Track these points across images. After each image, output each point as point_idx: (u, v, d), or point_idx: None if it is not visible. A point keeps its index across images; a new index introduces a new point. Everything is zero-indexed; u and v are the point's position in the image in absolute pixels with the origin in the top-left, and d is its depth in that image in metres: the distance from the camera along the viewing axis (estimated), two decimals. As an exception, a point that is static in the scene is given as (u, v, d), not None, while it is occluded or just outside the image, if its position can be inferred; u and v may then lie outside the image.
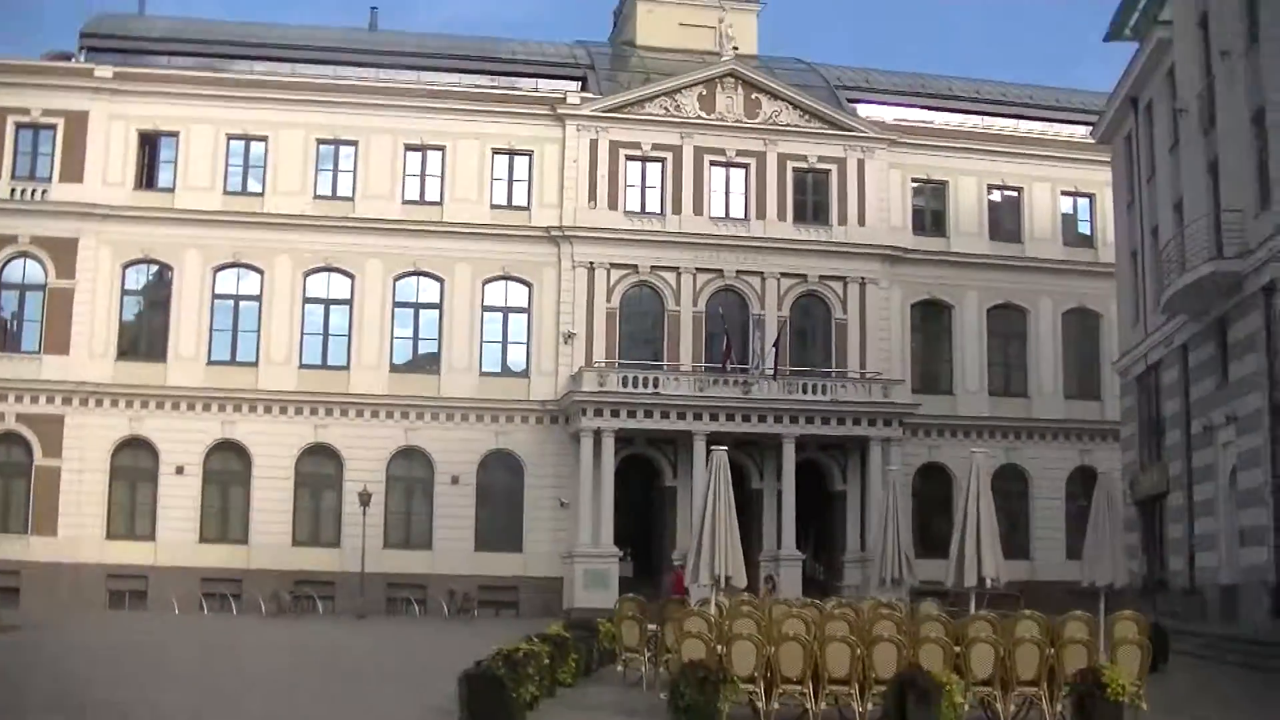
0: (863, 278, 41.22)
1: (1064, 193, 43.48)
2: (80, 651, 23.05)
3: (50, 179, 38.95)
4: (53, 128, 39.08)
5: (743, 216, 41.08)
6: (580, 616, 33.01)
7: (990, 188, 43.06)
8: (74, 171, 38.91)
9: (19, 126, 39.14)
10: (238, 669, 20.94)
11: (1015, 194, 43.28)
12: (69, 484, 37.73)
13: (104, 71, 39.35)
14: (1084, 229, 43.76)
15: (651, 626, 17.85)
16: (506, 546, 38.83)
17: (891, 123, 42.57)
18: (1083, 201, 43.70)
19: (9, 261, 38.68)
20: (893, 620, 16.28)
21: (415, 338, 39.67)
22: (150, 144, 39.78)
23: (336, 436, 38.67)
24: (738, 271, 40.52)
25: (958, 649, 14.26)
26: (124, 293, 39.07)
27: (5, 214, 38.45)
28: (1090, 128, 39.45)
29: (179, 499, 37.98)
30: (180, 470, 38.04)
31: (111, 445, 38.14)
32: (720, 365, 38.88)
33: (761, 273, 40.57)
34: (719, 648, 14.40)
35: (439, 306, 39.52)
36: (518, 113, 40.27)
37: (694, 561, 17.86)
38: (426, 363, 39.77)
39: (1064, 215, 43.61)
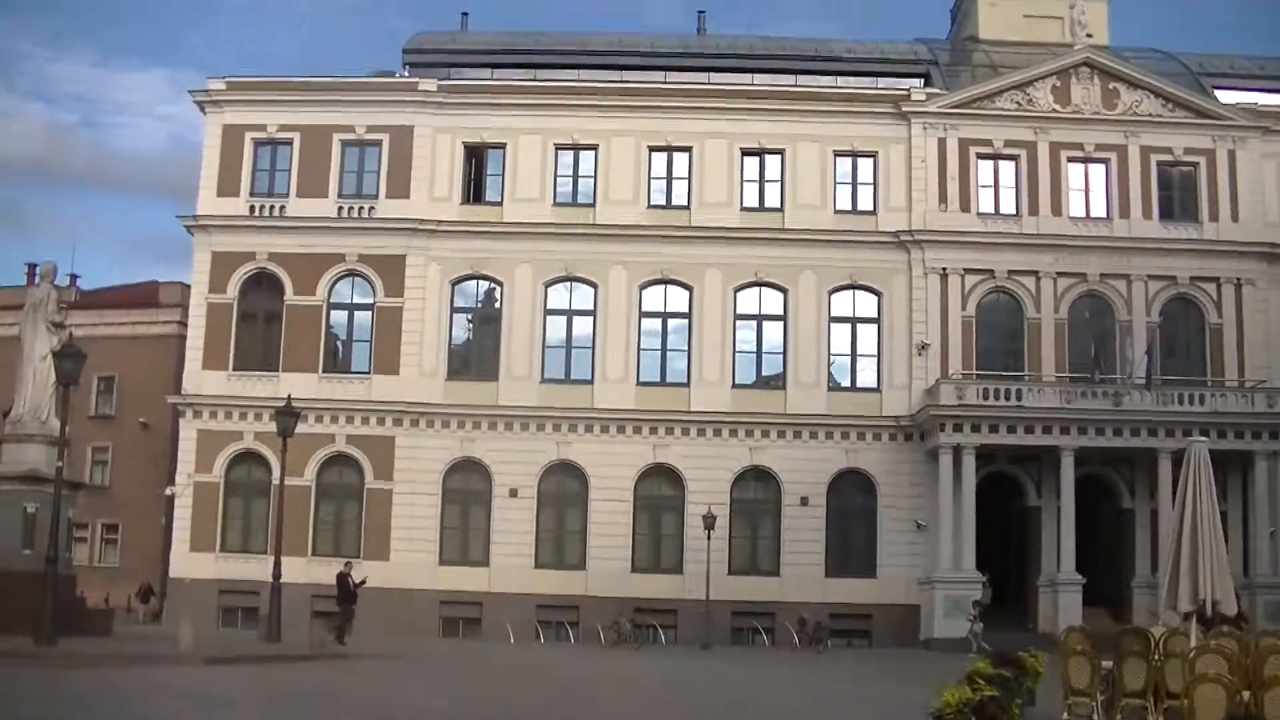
0: (1238, 278, 46.64)
1: None
2: (419, 678, 25.71)
3: (377, 196, 47.78)
4: (378, 144, 47.95)
5: (1104, 215, 47.08)
6: (940, 647, 39.94)
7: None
8: (401, 188, 47.60)
9: (345, 144, 48.10)
10: (596, 705, 21.99)
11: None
12: (401, 507, 46.04)
13: (428, 85, 47.95)
14: None
15: (1105, 663, 17.51)
16: (859, 572, 44.78)
17: (1263, 109, 48.15)
18: None
19: (338, 280, 47.56)
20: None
21: (759, 352, 46.46)
22: (477, 157, 48.07)
23: (677, 457, 45.64)
24: (1101, 275, 46.38)
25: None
26: (453, 310, 47.35)
27: (333, 233, 47.36)
28: None
29: (513, 523, 45.46)
30: (514, 493, 45.65)
31: (443, 467, 45.99)
32: (1087, 376, 44.81)
33: (1127, 275, 46.35)
34: (1242, 694, 13.76)
35: (783, 319, 46.33)
36: (859, 112, 47.13)
37: (1167, 583, 18.01)
38: (771, 378, 46.51)
39: None
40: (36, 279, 32.90)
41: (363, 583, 37.30)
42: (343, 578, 36.89)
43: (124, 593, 53.80)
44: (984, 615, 40.97)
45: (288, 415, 35.32)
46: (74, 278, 65.44)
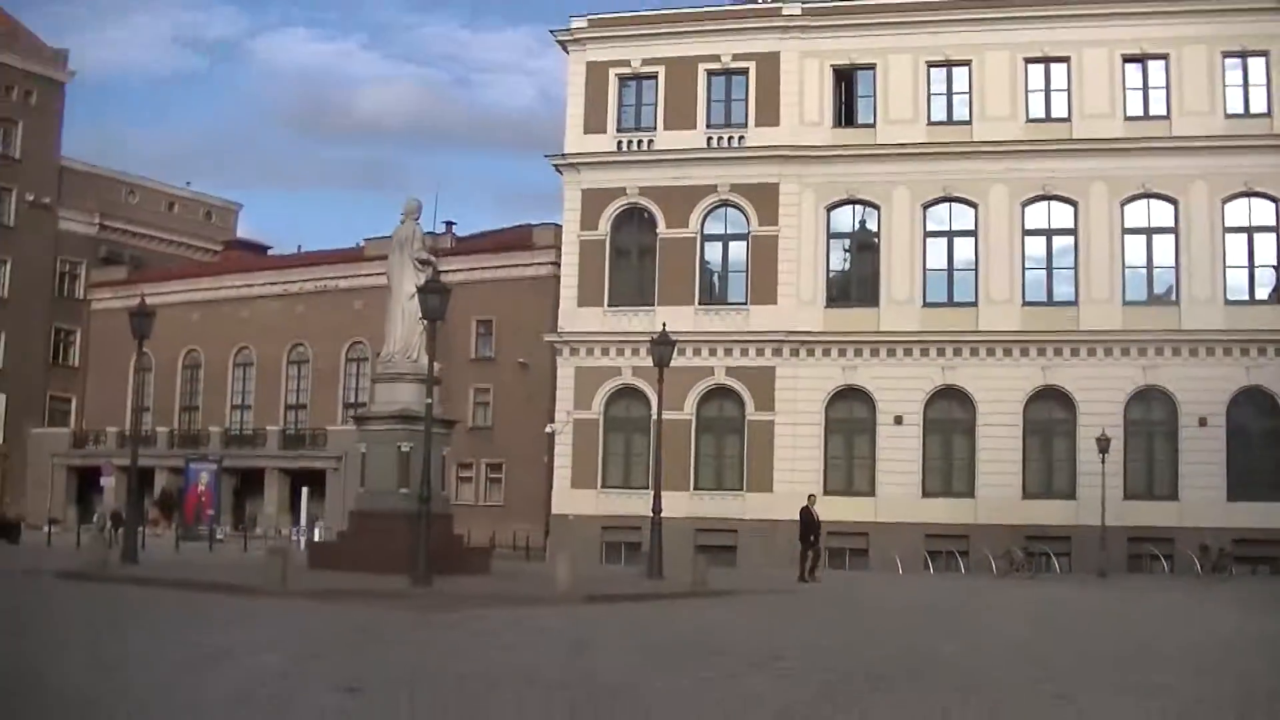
0: None
1: None
2: (805, 615, 25.93)
3: (746, 124, 51.41)
4: (745, 72, 51.54)
5: None
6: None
7: None
8: (770, 115, 51.00)
9: (710, 74, 51.81)
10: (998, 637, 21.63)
11: None
12: (783, 438, 50.04)
13: (793, 9, 51.10)
14: None
15: None
16: (1264, 495, 45.97)
17: None
18: None
19: (710, 211, 51.34)
20: None
21: (1149, 267, 48.19)
22: (846, 80, 51.15)
23: (1067, 378, 47.87)
24: None
25: None
26: (829, 236, 50.93)
27: (703, 164, 51.25)
28: None
29: (899, 451, 48.73)
30: (899, 420, 48.89)
31: (825, 397, 49.63)
32: None
33: None
34: None
35: (1174, 231, 47.97)
36: (1242, 9, 48.00)
37: None
38: (1163, 294, 48.20)
39: None
40: (400, 216, 33.98)
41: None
42: (806, 511, 39.31)
43: (509, 530, 59.81)
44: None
45: (663, 345, 37.41)
46: (449, 224, 72.03)
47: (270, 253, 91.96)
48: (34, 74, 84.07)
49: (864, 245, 51.37)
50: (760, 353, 50.55)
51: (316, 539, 47.88)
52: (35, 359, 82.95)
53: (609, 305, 52.53)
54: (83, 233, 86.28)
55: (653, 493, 36.58)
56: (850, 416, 50.23)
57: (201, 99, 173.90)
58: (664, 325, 39.62)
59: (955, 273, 49.98)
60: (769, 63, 51.77)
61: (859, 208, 51.17)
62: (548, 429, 54.55)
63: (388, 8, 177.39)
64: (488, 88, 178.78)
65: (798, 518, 39.43)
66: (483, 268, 68.26)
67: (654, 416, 42.79)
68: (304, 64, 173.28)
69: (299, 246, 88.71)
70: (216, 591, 25.09)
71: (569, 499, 51.87)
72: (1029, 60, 49.86)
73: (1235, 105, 48.90)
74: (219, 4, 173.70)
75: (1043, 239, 49.59)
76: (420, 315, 30.46)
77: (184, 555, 44.12)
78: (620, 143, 53.13)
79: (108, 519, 56.45)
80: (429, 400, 28.73)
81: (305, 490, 59.79)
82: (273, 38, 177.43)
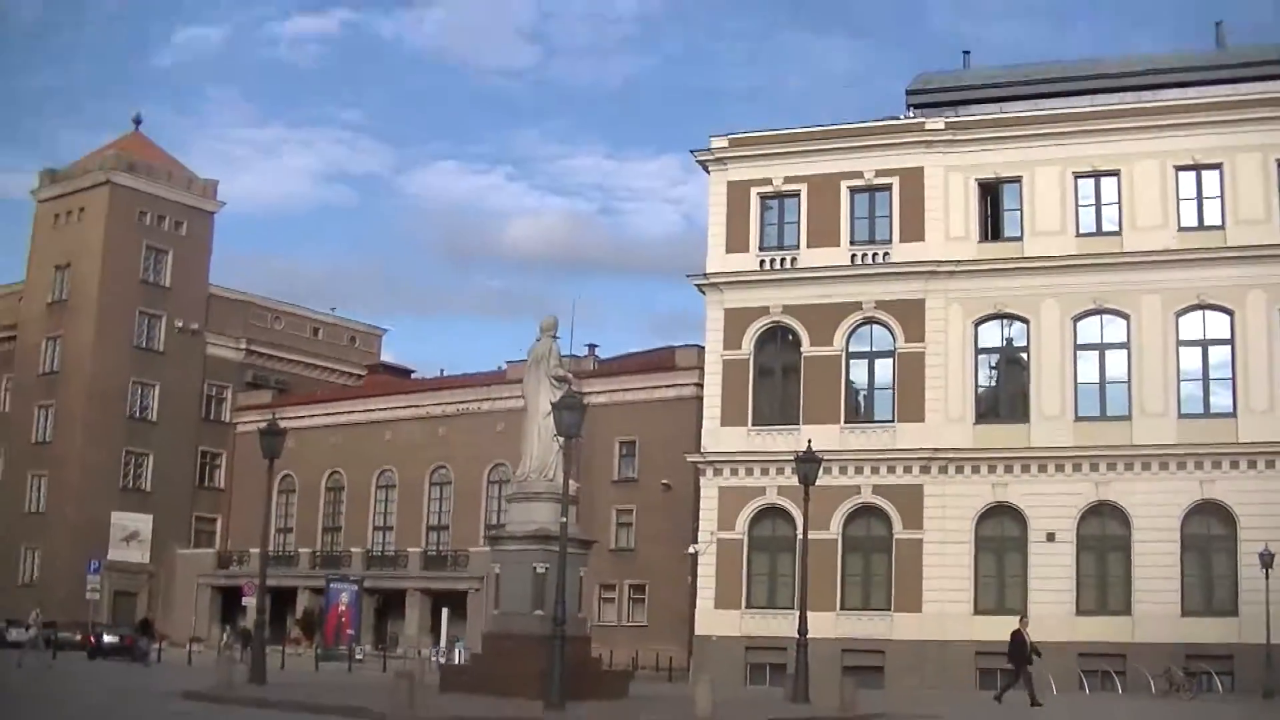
0: None
1: None
2: None
3: (890, 240, 51.12)
4: (888, 188, 51.36)
5: None
6: None
7: None
8: (914, 230, 50.78)
9: (854, 191, 51.78)
10: None
11: None
12: (932, 557, 48.94)
13: (935, 124, 51.12)
14: None
15: None
16: None
17: None
18: None
19: (856, 328, 50.96)
20: None
21: None
22: (991, 193, 50.85)
23: (1226, 492, 46.47)
24: None
25: None
26: (978, 351, 50.24)
27: (848, 281, 51.14)
28: None
29: (1051, 568, 47.54)
30: (1051, 537, 47.65)
31: (975, 514, 48.72)
32: None
33: None
34: None
35: None
36: None
37: None
38: None
39: None
40: (538, 334, 33.32)
41: (1034, 649, 37.98)
42: (1017, 635, 37.92)
43: (652, 652, 59.32)
44: None
45: (809, 462, 37.03)
46: (592, 347, 72.54)
47: (413, 377, 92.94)
48: (184, 205, 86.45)
49: (1012, 359, 50.67)
50: (908, 470, 49.99)
51: (456, 660, 47.51)
52: (182, 481, 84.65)
53: (753, 425, 52.31)
54: (229, 358, 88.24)
55: (798, 613, 36.11)
56: (1001, 534, 49.32)
57: (348, 231, 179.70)
58: (809, 442, 39.24)
59: (1107, 385, 49.06)
60: (913, 178, 51.69)
61: (1008, 322, 50.33)
62: (691, 549, 54.17)
63: (533, 140, 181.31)
64: (631, 215, 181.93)
65: (1008, 639, 38.15)
66: (625, 389, 68.56)
67: (799, 536, 42.25)
68: (451, 195, 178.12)
69: (441, 371, 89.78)
70: (339, 715, 25.03)
71: (712, 620, 51.42)
72: (1179, 168, 49.20)
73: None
74: (365, 140, 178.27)
75: (1198, 349, 48.69)
76: (555, 433, 30.02)
77: (320, 676, 44.22)
78: (763, 261, 53.28)
79: (236, 637, 56.85)
80: (563, 519, 28.36)
81: (445, 611, 59.66)
82: (418, 172, 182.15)
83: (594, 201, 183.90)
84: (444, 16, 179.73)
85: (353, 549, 76.59)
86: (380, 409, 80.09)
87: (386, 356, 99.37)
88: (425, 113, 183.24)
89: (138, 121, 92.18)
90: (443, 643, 57.60)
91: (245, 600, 65.24)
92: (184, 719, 23.93)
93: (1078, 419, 49.06)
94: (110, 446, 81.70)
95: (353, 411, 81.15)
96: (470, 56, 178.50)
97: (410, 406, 78.81)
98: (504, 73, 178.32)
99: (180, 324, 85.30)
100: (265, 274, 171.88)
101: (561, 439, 29.26)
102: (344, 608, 70.02)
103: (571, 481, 30.28)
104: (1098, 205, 50.19)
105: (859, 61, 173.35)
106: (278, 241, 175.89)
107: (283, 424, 71.68)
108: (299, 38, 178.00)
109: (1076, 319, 49.52)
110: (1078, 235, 50.12)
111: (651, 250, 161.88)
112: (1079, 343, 49.47)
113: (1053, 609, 47.34)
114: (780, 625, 46.75)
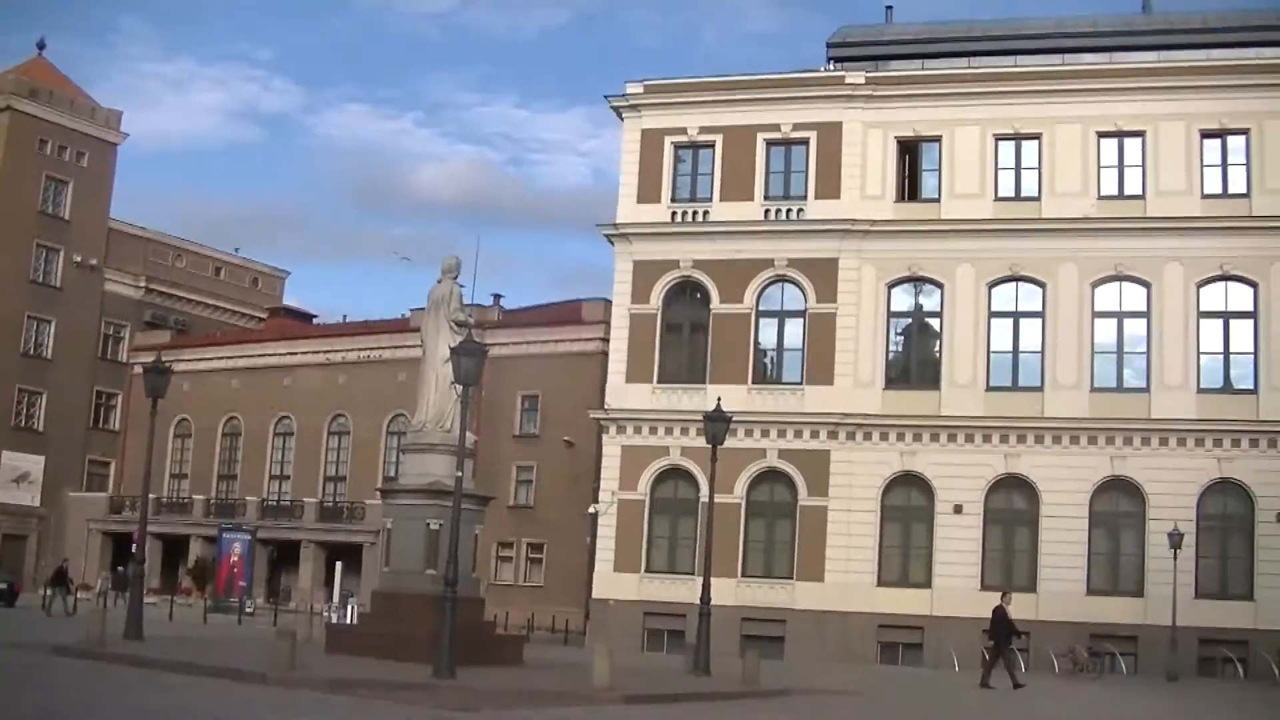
0: None
1: None
2: None
3: (805, 196, 49.75)
4: (805, 142, 49.90)
5: None
6: None
7: None
8: (830, 187, 49.34)
9: (770, 144, 50.30)
10: None
11: None
12: (837, 525, 47.80)
13: (856, 78, 49.64)
14: None
15: None
16: None
17: None
18: None
19: (767, 286, 49.58)
20: None
21: (1226, 353, 46.36)
22: (910, 152, 49.56)
23: (1137, 469, 45.73)
24: None
25: None
26: (890, 315, 48.96)
27: (761, 237, 49.70)
28: None
29: (958, 541, 46.67)
30: (958, 509, 46.86)
31: (882, 482, 47.67)
32: None
33: None
34: None
35: (1253, 315, 46.12)
36: None
37: None
38: (1239, 382, 46.31)
39: None
40: (438, 275, 31.92)
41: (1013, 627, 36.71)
42: (999, 611, 36.47)
43: (549, 613, 58.11)
44: None
45: (717, 421, 35.68)
46: (497, 297, 70.97)
47: (315, 323, 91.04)
48: (87, 135, 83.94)
49: (924, 325, 49.45)
50: (815, 435, 48.84)
51: (349, 617, 45.97)
52: (77, 422, 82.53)
53: (659, 382, 50.91)
54: (128, 295, 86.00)
55: (702, 581, 34.87)
56: (908, 504, 48.27)
57: (255, 170, 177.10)
58: (719, 400, 37.84)
59: (1021, 355, 48.10)
60: (831, 133, 50.32)
61: (923, 285, 49.10)
62: (591, 509, 52.86)
63: (446, 86, 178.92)
64: (541, 166, 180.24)
65: (990, 616, 36.79)
66: (529, 341, 67.12)
67: (703, 499, 41.39)
68: (359, 139, 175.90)
69: (344, 317, 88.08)
70: (217, 677, 23.52)
71: (611, 583, 50.08)
72: (1101, 134, 48.10)
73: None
74: (278, 79, 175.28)
75: (1113, 321, 47.70)
76: (453, 380, 28.48)
77: (205, 630, 42.73)
78: (674, 213, 51.76)
79: (114, 584, 55.38)
80: (459, 473, 26.82)
81: (339, 565, 58.11)
82: (329, 113, 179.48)
83: (504, 151, 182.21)
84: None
85: (248, 498, 74.99)
86: (280, 354, 78.39)
87: (289, 300, 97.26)
88: (337, 54, 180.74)
89: (41, 46, 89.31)
90: (335, 598, 55.93)
91: (135, 547, 63.20)
92: (36, 675, 22.28)
93: (989, 389, 48.09)
94: (2, 383, 79.23)
95: (252, 355, 79.31)
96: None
97: (311, 352, 77.14)
98: (419, 16, 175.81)
99: (79, 259, 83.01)
100: (169, 212, 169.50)
101: (460, 387, 27.67)
102: (236, 558, 68.48)
103: (469, 433, 28.95)
104: (1018, 169, 49.04)
105: (777, 19, 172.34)
106: (183, 179, 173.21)
107: (180, 366, 70.36)
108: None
109: (991, 285, 48.52)
110: (996, 199, 49.03)
111: (560, 202, 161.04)
112: (993, 310, 48.45)
113: (959, 582, 46.68)
114: (680, 591, 46.11)
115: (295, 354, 77.87)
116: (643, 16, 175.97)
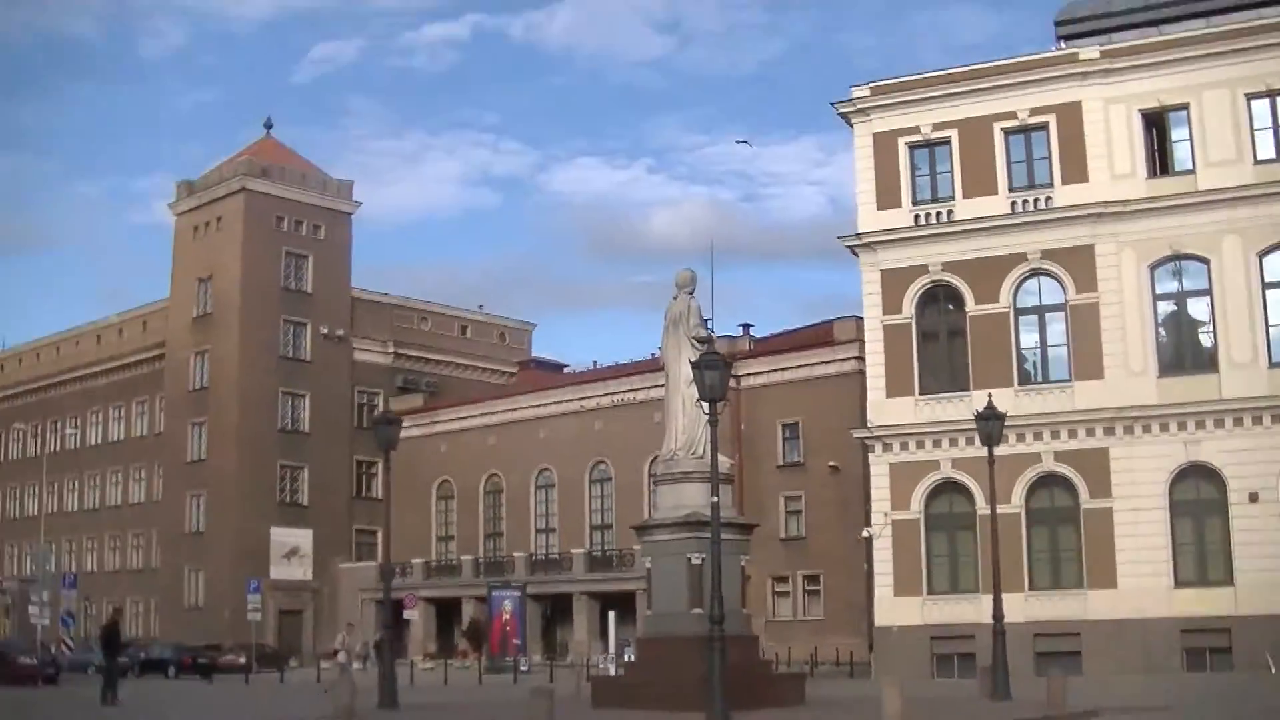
0: None
1: None
2: None
3: (1051, 184, 48.49)
4: (1044, 127, 48.58)
5: None
6: None
7: None
8: (1077, 171, 47.96)
9: (1008, 133, 49.11)
10: None
11: None
12: (1123, 526, 46.12)
13: (1090, 53, 48.16)
14: None
15: None
16: None
17: None
18: None
19: (1023, 282, 48.46)
20: None
21: None
22: (1156, 124, 47.81)
23: None
24: None
25: None
26: (1155, 298, 47.32)
27: (1010, 231, 48.55)
28: None
29: (1258, 533, 44.33)
30: (1254, 498, 44.59)
31: (1168, 476, 45.86)
32: None
33: None
34: None
35: None
36: None
37: None
38: None
39: None
40: (674, 292, 30.83)
41: None
42: None
43: (831, 646, 57.48)
44: None
45: (991, 419, 34.67)
46: (746, 327, 70.87)
47: (566, 371, 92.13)
48: (321, 208, 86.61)
49: (1195, 304, 47.58)
50: (1090, 433, 47.36)
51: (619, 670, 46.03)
52: (340, 493, 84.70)
53: (920, 394, 49.98)
54: (378, 362, 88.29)
55: (992, 598, 34.12)
56: (1198, 496, 46.27)
57: (493, 232, 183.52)
58: (989, 397, 37.21)
59: (1304, 330, 45.66)
60: (1070, 114, 48.89)
61: (1188, 264, 47.31)
62: (864, 533, 52.15)
63: (671, 131, 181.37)
64: (774, 200, 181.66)
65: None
66: (783, 368, 66.80)
67: (980, 511, 40.62)
68: (592, 190, 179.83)
69: (594, 363, 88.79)
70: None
71: (892, 609, 49.24)
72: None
73: None
74: (507, 142, 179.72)
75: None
76: (698, 399, 26.98)
77: (479, 691, 43.24)
78: (917, 216, 50.92)
79: (370, 650, 56.34)
80: (715, 499, 25.33)
81: (613, 614, 58.37)
82: (560, 169, 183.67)
83: (735, 189, 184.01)
84: (572, 13, 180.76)
85: (515, 554, 76.03)
86: (534, 405, 79.55)
87: (538, 353, 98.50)
88: (562, 110, 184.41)
89: (269, 126, 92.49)
90: (611, 648, 56.21)
91: (407, 613, 64.75)
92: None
93: (1272, 365, 45.87)
94: (264, 460, 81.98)
95: (506, 410, 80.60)
96: (602, 51, 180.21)
97: (565, 401, 78.09)
98: (637, 65, 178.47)
99: (325, 330, 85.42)
100: (410, 281, 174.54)
101: (705, 405, 26.10)
102: (508, 616, 69.33)
103: (724, 457, 27.89)
104: (1276, 128, 46.76)
105: (993, 24, 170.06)
106: (423, 248, 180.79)
107: (436, 428, 72.12)
108: (432, 45, 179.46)
109: (1263, 255, 46.32)
110: (1256, 163, 46.79)
111: (797, 233, 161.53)
112: (1266, 281, 46.22)
113: (1269, 576, 43.91)
114: (966, 611, 45.21)
115: (549, 404, 78.97)
116: (858, 39, 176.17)
